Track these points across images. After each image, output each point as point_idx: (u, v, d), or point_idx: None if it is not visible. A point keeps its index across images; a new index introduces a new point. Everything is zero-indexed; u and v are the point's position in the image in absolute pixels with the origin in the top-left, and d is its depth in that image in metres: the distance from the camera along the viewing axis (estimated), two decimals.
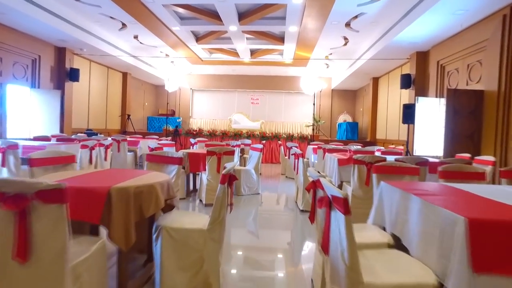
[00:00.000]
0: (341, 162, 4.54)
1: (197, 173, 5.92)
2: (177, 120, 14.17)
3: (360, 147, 7.52)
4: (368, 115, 12.68)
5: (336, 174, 4.55)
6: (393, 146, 8.43)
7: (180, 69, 13.84)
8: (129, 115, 10.86)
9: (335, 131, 14.38)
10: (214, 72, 14.43)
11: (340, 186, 4.56)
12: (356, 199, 4.08)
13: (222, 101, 14.87)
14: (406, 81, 8.52)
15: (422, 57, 8.27)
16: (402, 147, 7.93)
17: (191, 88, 14.86)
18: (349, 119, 14.31)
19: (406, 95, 9.10)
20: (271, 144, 10.71)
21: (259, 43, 10.46)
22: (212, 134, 10.79)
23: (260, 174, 8.18)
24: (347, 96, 14.64)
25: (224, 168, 2.45)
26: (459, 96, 5.99)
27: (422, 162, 4.00)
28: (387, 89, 10.81)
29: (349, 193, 4.22)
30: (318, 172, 2.33)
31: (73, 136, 7.72)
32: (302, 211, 4.65)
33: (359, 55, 10.22)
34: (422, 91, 8.18)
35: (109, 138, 7.80)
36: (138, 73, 12.78)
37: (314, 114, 10.69)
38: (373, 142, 11.65)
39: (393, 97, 10.30)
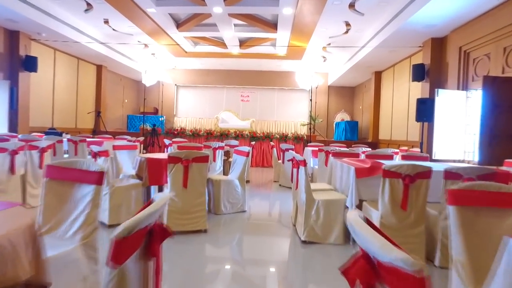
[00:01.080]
0: (360, 173, 3.12)
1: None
2: (160, 119, 12.67)
3: (369, 149, 6.13)
4: (369, 114, 11.33)
5: (353, 190, 3.13)
6: (405, 148, 7.07)
7: (162, 63, 12.32)
8: (99, 112, 9.34)
9: (332, 131, 13.00)
10: (200, 67, 12.95)
11: (359, 207, 3.14)
12: (388, 229, 2.66)
13: (209, 98, 13.39)
14: (419, 73, 7.16)
15: (438, 44, 6.93)
16: (416, 149, 6.57)
17: (175, 84, 13.35)
18: (347, 118, 12.95)
19: (416, 90, 7.76)
20: (262, 145, 9.28)
21: (248, 30, 9.03)
22: (195, 134, 9.33)
23: (248, 181, 6.74)
24: (344, 93, 13.29)
25: (151, 202, 1.03)
26: (500, 85, 4.63)
27: (488, 173, 2.60)
28: (392, 84, 9.46)
29: (375, 219, 2.80)
30: (374, 228, 0.91)
31: (20, 136, 6.19)
32: (304, 242, 3.22)
33: (361, 44, 8.85)
34: (438, 84, 6.83)
35: (65, 139, 6.30)
36: (115, 66, 11.25)
37: (311, 111, 9.29)
38: (375, 143, 10.30)
39: (399, 93, 8.96)
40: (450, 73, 6.50)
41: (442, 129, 6.01)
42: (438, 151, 6.01)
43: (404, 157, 4.60)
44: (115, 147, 4.44)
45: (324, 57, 10.98)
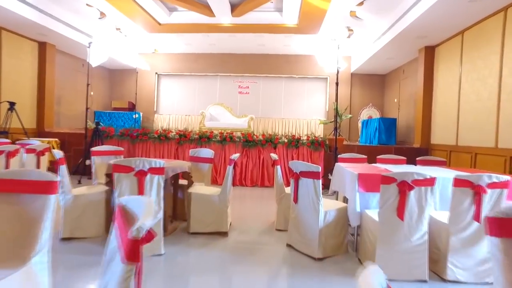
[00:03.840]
0: None
1: None
2: (133, 116, 9.31)
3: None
4: (411, 108, 7.78)
5: None
6: None
7: (136, 43, 8.96)
8: (12, 104, 5.99)
9: (356, 132, 9.45)
10: (185, 50, 9.53)
11: None
12: None
13: (198, 90, 9.96)
14: None
15: None
16: None
17: (156, 73, 9.97)
18: (376, 114, 9.36)
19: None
20: (263, 153, 5.82)
21: None
22: (162, 137, 5.91)
23: (225, 234, 3.26)
24: (372, 82, 9.68)
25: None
26: None
27: None
28: (459, 61, 5.85)
29: None
30: None
31: None
32: None
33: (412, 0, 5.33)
34: None
35: None
36: (67, 45, 7.90)
37: (336, 103, 5.74)
38: (426, 149, 6.73)
39: (476, 73, 5.34)
40: None
41: None
42: None
43: None
44: None
45: (350, 29, 7.45)
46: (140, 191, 2.51)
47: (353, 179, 2.72)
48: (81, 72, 9.15)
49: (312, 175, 2.62)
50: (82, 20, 7.37)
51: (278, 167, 3.42)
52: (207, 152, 3.86)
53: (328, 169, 5.81)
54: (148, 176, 2.53)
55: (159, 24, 7.59)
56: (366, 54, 8.27)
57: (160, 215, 2.61)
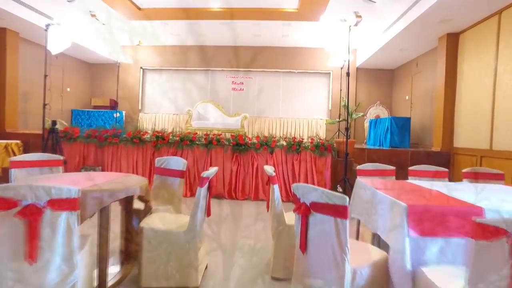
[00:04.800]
0: None
1: None
2: (114, 115, 8.18)
3: None
4: (426, 107, 6.72)
5: None
6: None
7: (116, 33, 7.83)
8: None
9: (361, 132, 8.36)
10: (173, 42, 8.39)
11: None
12: None
13: (188, 86, 8.83)
14: None
15: None
16: None
17: (141, 67, 8.84)
18: (384, 113, 8.27)
19: None
20: (257, 159, 4.71)
21: None
22: (136, 139, 4.79)
23: (205, 271, 2.10)
24: (379, 78, 8.59)
25: None
26: None
27: None
28: (496, 47, 4.75)
29: None
30: None
31: None
32: None
33: None
34: None
35: None
36: (35, 34, 6.73)
37: (348, 99, 4.64)
38: (447, 154, 5.64)
39: None
40: None
41: None
42: None
43: None
44: None
45: (358, 15, 6.33)
46: (32, 241, 1.40)
47: (399, 215, 1.61)
48: (54, 66, 7.96)
49: (334, 210, 1.51)
50: (47, 2, 6.23)
51: (276, 186, 2.31)
52: (177, 162, 2.74)
53: (336, 179, 4.71)
54: (48, 213, 1.41)
55: (139, 8, 6.47)
56: (375, 45, 7.20)
57: (75, 278, 1.50)
